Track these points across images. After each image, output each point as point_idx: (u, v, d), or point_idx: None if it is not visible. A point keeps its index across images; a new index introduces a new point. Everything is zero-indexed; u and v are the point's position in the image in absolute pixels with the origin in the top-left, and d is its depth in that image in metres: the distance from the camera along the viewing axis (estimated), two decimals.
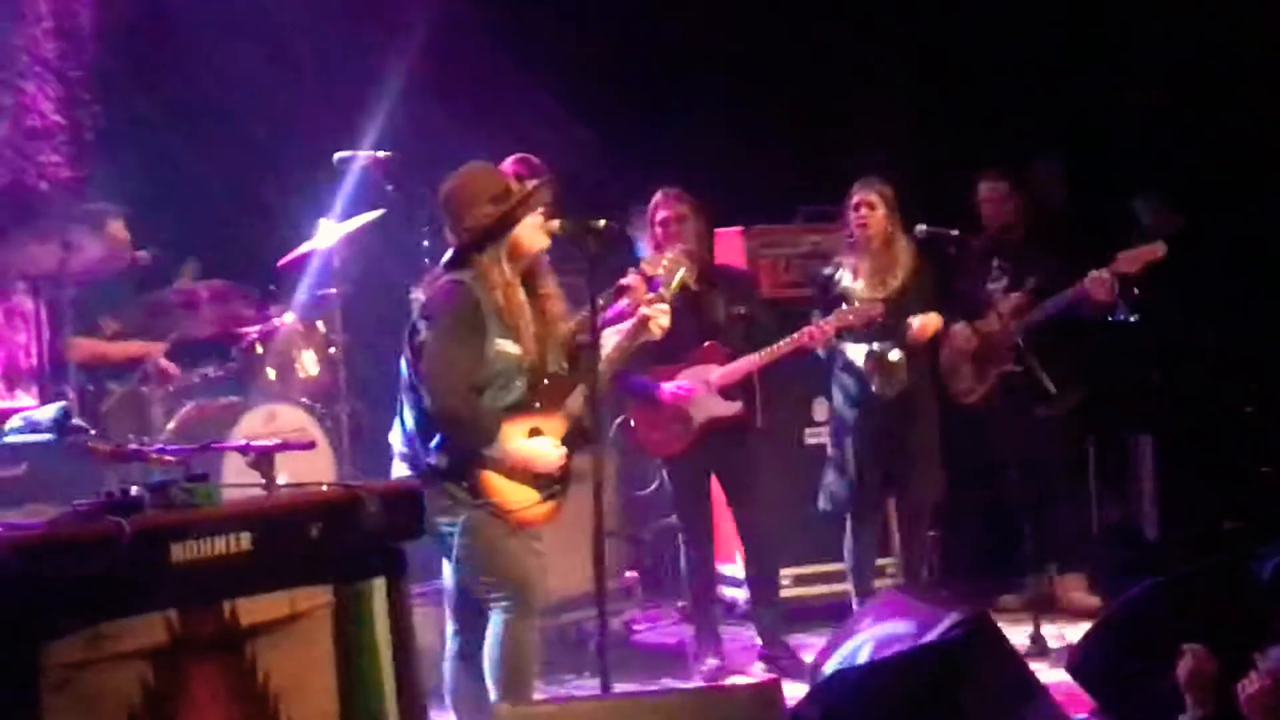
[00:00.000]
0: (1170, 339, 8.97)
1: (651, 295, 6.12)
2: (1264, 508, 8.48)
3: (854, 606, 7.34)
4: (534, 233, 5.59)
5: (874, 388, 7.37)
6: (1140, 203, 9.48)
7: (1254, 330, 8.75)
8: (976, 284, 7.91)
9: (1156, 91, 9.73)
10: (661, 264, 6.43)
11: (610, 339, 5.93)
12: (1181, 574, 5.99)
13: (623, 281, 6.42)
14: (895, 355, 7.35)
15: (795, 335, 7.22)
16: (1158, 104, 9.72)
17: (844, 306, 7.21)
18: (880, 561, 7.88)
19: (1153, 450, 9.06)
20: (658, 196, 7.31)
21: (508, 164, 6.89)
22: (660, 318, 5.99)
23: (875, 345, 7.35)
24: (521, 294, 5.59)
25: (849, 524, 7.56)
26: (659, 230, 7.21)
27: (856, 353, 7.40)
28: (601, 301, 5.73)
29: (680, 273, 6.41)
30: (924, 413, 7.54)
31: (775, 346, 7.22)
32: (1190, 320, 8.93)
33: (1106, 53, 9.67)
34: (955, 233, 7.61)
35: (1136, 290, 7.99)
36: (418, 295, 5.72)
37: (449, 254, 5.65)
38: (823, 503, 7.64)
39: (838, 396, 7.58)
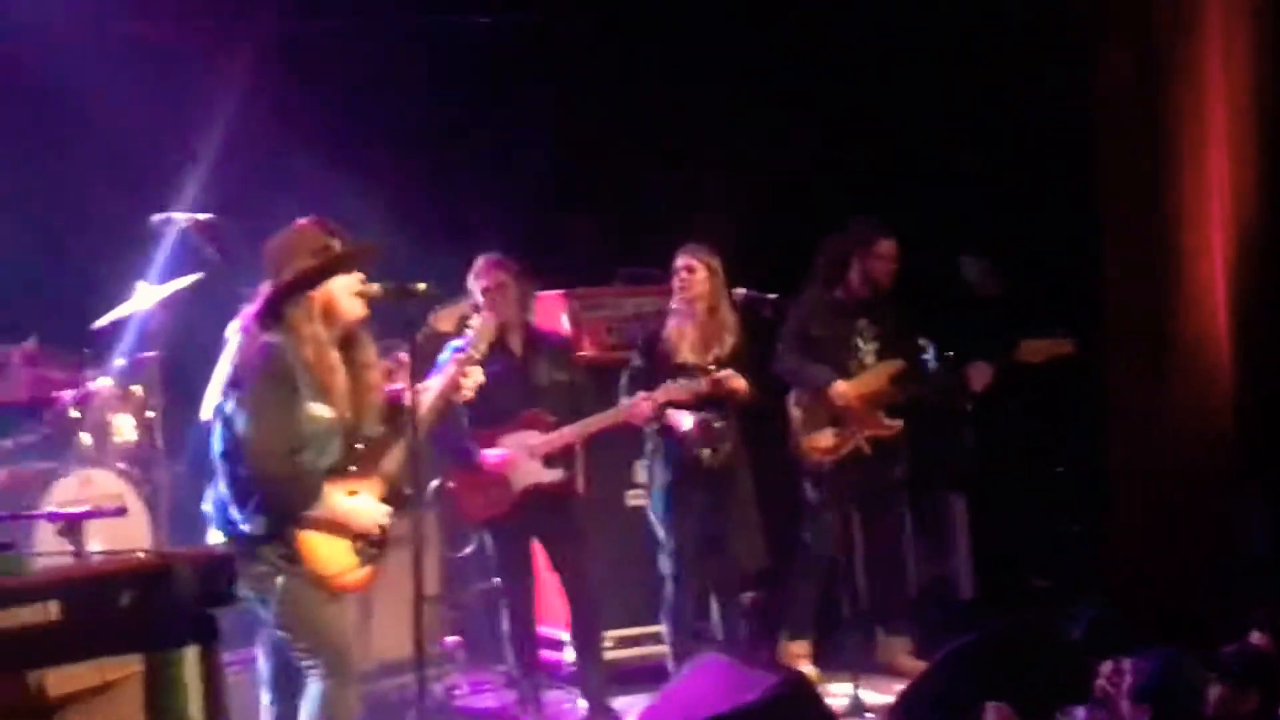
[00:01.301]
0: (982, 399, 9.13)
1: (461, 356, 6.08)
2: (1074, 566, 8.67)
3: (669, 669, 7.38)
4: (349, 296, 5.55)
5: (701, 456, 7.45)
6: (967, 263, 9.68)
7: (1065, 391, 8.94)
8: (838, 340, 8.00)
9: (973, 156, 9.95)
10: (468, 326, 6.40)
11: (424, 398, 5.89)
12: (991, 633, 6.10)
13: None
14: (720, 424, 7.48)
15: (622, 407, 7.31)
16: (974, 169, 9.94)
17: (670, 381, 7.30)
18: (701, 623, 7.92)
19: (966, 509, 9.22)
20: (479, 263, 7.34)
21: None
22: (471, 378, 5.98)
23: (700, 414, 7.43)
24: (334, 356, 5.54)
25: (668, 587, 7.61)
26: (481, 298, 7.23)
27: (682, 420, 7.46)
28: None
29: (487, 334, 6.34)
30: (743, 480, 7.65)
31: (600, 417, 7.30)
32: (1002, 381, 9.09)
33: (925, 115, 9.87)
34: (773, 296, 7.76)
35: (949, 353, 8.16)
36: (229, 335, 5.60)
37: (259, 303, 5.59)
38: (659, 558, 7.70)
39: (658, 462, 7.64)
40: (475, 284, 7.30)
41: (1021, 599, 8.59)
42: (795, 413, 7.97)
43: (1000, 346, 8.06)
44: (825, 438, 7.95)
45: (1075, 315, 8.30)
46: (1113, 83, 7.28)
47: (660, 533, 7.62)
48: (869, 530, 8.21)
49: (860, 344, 8.04)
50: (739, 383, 7.46)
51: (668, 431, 7.52)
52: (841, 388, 7.88)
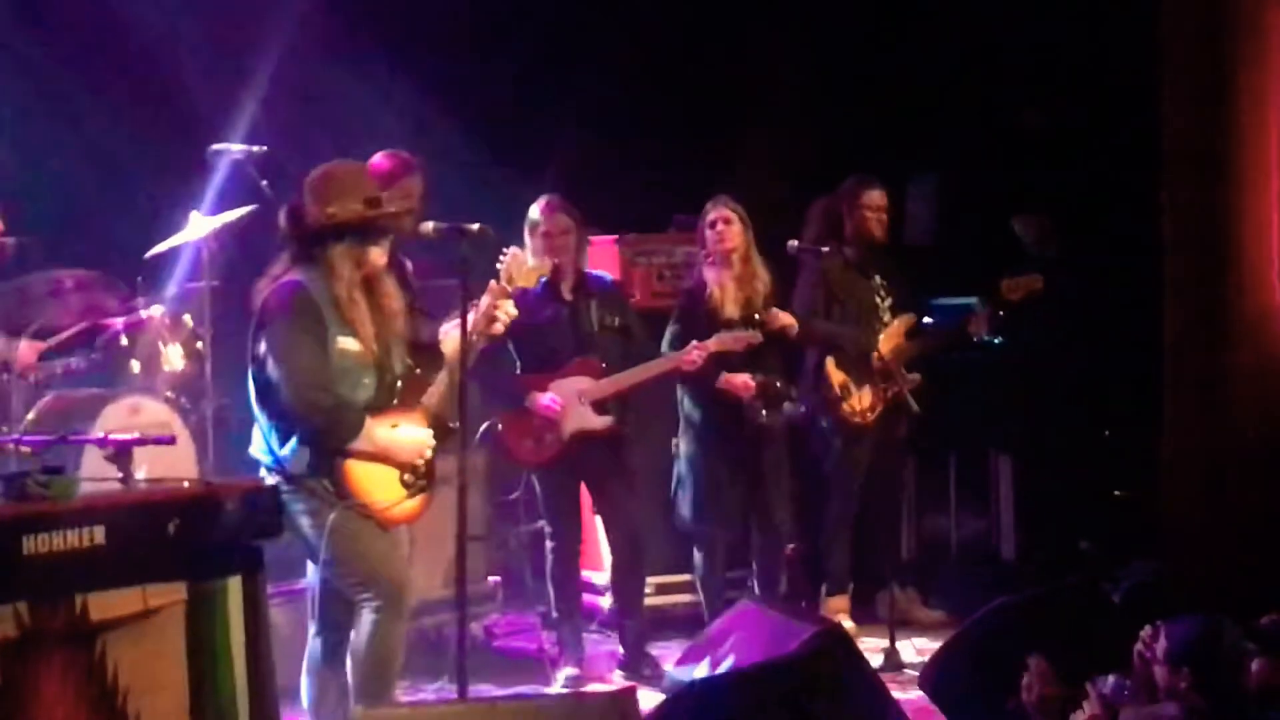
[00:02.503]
0: (1031, 361, 9.10)
1: (495, 287, 6.03)
2: (1118, 531, 8.64)
3: (705, 619, 7.42)
4: (382, 253, 5.61)
5: (761, 416, 7.45)
6: (1021, 224, 9.63)
7: (1114, 355, 8.90)
8: (859, 300, 7.98)
9: (1036, 115, 9.89)
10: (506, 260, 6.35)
11: (451, 335, 5.85)
12: (1035, 594, 6.08)
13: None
14: (781, 384, 7.57)
15: (673, 356, 7.30)
16: (1036, 127, 9.88)
17: (723, 331, 7.28)
18: (738, 573, 7.93)
19: (1012, 470, 9.19)
20: (541, 204, 7.28)
21: (379, 158, 6.83)
22: (503, 310, 5.91)
23: (759, 376, 7.43)
24: (359, 293, 5.57)
25: (699, 549, 7.64)
26: (540, 241, 7.20)
27: (743, 380, 7.45)
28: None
29: (516, 268, 6.26)
30: (776, 434, 7.64)
31: (650, 364, 7.28)
32: (1051, 343, 9.06)
33: (988, 75, 9.81)
34: (825, 250, 7.75)
35: (1000, 312, 8.13)
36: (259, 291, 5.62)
37: (294, 236, 5.58)
38: (679, 519, 7.70)
39: (696, 415, 7.63)
40: (536, 224, 7.24)
41: (1065, 562, 8.55)
42: (837, 375, 7.92)
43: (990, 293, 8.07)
44: (865, 396, 7.94)
45: (1134, 280, 8.25)
46: (1177, 36, 7.18)
47: (686, 494, 7.64)
48: (871, 486, 8.15)
49: (879, 301, 8.01)
50: (786, 318, 7.54)
51: (722, 394, 7.49)
52: (879, 346, 7.88)
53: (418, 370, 5.76)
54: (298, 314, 5.45)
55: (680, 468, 7.71)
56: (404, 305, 5.77)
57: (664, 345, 7.57)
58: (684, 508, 7.66)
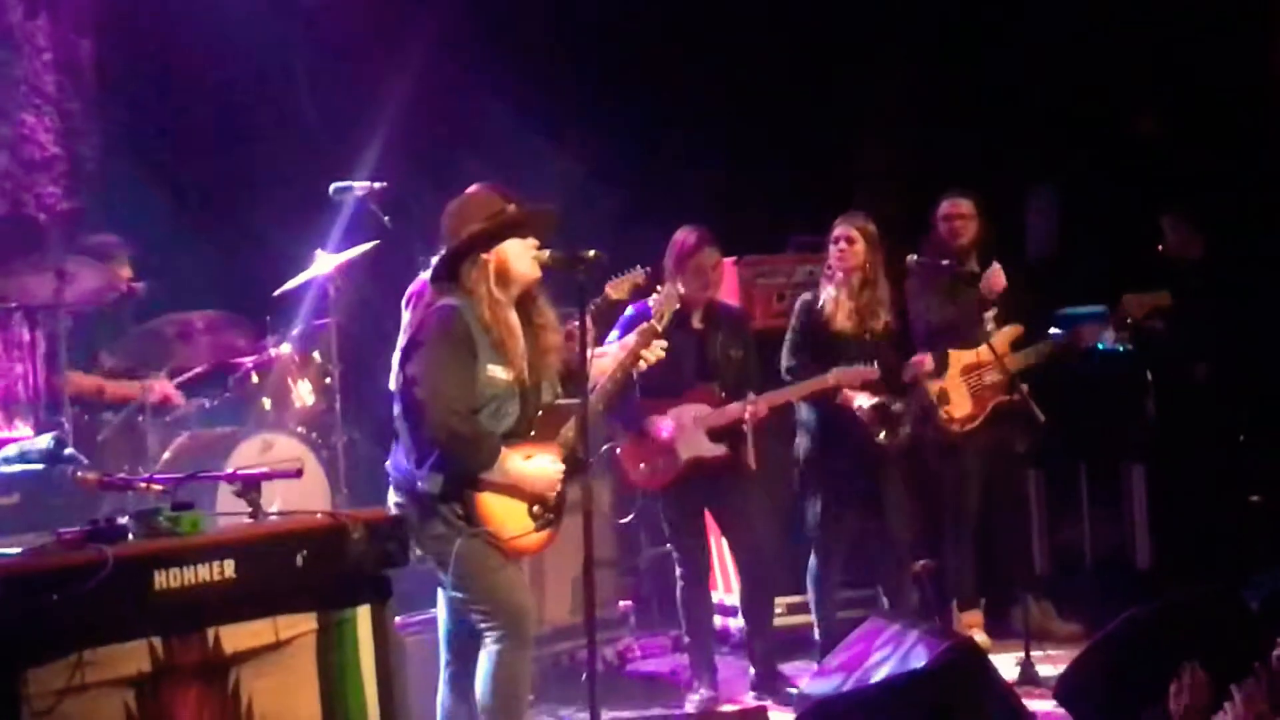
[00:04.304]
0: (1163, 368, 8.98)
1: (645, 327, 6.13)
2: (1254, 537, 8.50)
3: (816, 636, 7.42)
4: (523, 258, 5.61)
5: (879, 438, 7.43)
6: (1171, 222, 9.51)
7: (1246, 360, 8.77)
8: (970, 312, 7.92)
9: (1154, 122, 9.79)
10: (656, 292, 6.42)
11: (601, 363, 5.94)
12: (1172, 601, 5.99)
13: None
14: (899, 406, 7.51)
15: (794, 388, 7.32)
16: (1156, 135, 9.78)
17: (843, 367, 7.27)
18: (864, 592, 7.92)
19: (1145, 478, 9.08)
20: (689, 237, 7.28)
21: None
22: (652, 351, 6.03)
23: (877, 398, 7.40)
24: (513, 317, 5.61)
25: (815, 555, 7.61)
26: (692, 275, 7.19)
27: (860, 401, 7.42)
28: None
29: (670, 306, 6.37)
30: (892, 450, 7.61)
31: (771, 395, 7.26)
32: (1182, 349, 8.94)
33: (1104, 84, 9.73)
34: (946, 263, 7.71)
35: (1129, 320, 8.04)
36: (406, 313, 5.71)
37: (435, 264, 5.66)
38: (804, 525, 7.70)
39: (813, 424, 7.60)
40: (684, 259, 7.24)
41: (1200, 570, 8.42)
42: (934, 385, 7.87)
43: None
44: (965, 405, 7.89)
45: (1267, 285, 8.15)
46: None
47: (805, 501, 7.61)
48: (992, 499, 8.06)
49: (983, 313, 7.91)
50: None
51: (839, 408, 7.47)
52: (972, 357, 7.83)
53: (562, 401, 5.79)
54: (450, 338, 5.49)
55: (801, 474, 7.70)
56: (562, 337, 5.81)
57: (783, 354, 7.55)
58: (807, 513, 7.62)
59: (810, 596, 7.66)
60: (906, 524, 7.66)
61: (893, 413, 7.50)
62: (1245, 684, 4.58)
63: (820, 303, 7.55)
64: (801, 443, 7.64)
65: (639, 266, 6.41)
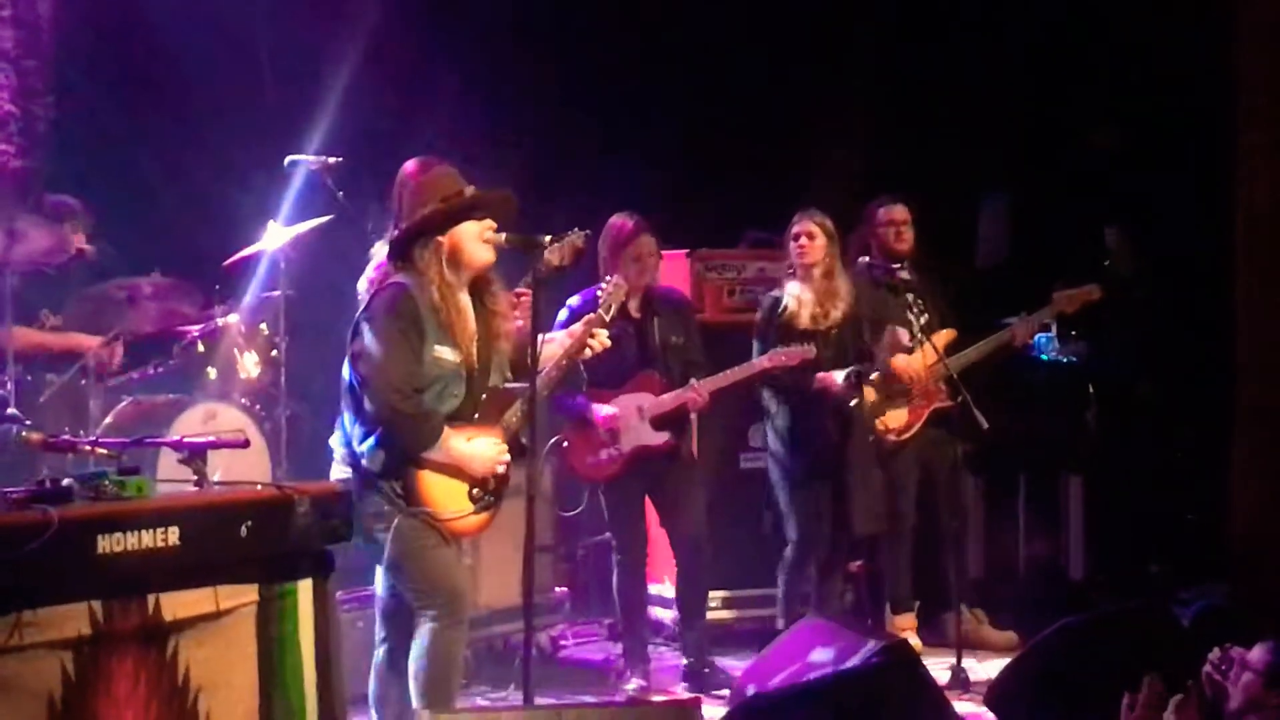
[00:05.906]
0: (1106, 382, 9.05)
1: (592, 318, 6.14)
2: (1188, 553, 8.59)
3: (780, 628, 7.41)
4: (476, 242, 5.61)
5: (852, 404, 7.46)
6: (1115, 234, 9.59)
7: (1186, 376, 8.85)
8: (893, 318, 7.92)
9: (1114, 133, 9.85)
10: (600, 288, 6.42)
11: (549, 349, 5.94)
12: (1103, 613, 6.05)
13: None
14: (875, 375, 7.63)
15: (733, 370, 7.30)
16: (1114, 146, 9.84)
17: (779, 348, 7.29)
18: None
19: (1082, 490, 9.15)
20: (626, 225, 7.26)
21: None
22: (598, 340, 6.04)
23: (849, 368, 7.44)
24: (463, 300, 5.61)
25: (791, 550, 7.61)
26: (630, 264, 7.18)
27: (836, 378, 7.44)
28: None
29: (618, 298, 6.37)
30: (864, 446, 7.64)
31: (711, 381, 7.26)
32: (1126, 365, 9.02)
33: (1064, 92, 9.79)
34: (897, 266, 7.75)
35: (1074, 332, 8.10)
36: (361, 290, 5.70)
37: (388, 244, 5.65)
38: (768, 526, 7.71)
39: (778, 424, 7.63)
40: (619, 246, 7.23)
41: (1132, 583, 8.50)
42: (869, 393, 7.88)
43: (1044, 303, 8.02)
44: (899, 415, 7.92)
45: (1205, 300, 8.21)
46: (1252, 47, 7.14)
47: (783, 497, 7.61)
48: (929, 505, 8.11)
49: (911, 319, 7.91)
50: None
51: (824, 393, 7.49)
52: (906, 363, 7.85)
53: (510, 385, 5.80)
54: (397, 317, 5.49)
55: (772, 472, 7.71)
56: (513, 323, 5.81)
57: (754, 353, 7.53)
58: (785, 511, 7.64)
59: (780, 589, 7.66)
60: (870, 518, 7.65)
61: (863, 377, 7.56)
62: (1177, 700, 4.63)
63: (784, 302, 7.57)
64: (773, 442, 7.66)
65: (577, 229, 6.36)
